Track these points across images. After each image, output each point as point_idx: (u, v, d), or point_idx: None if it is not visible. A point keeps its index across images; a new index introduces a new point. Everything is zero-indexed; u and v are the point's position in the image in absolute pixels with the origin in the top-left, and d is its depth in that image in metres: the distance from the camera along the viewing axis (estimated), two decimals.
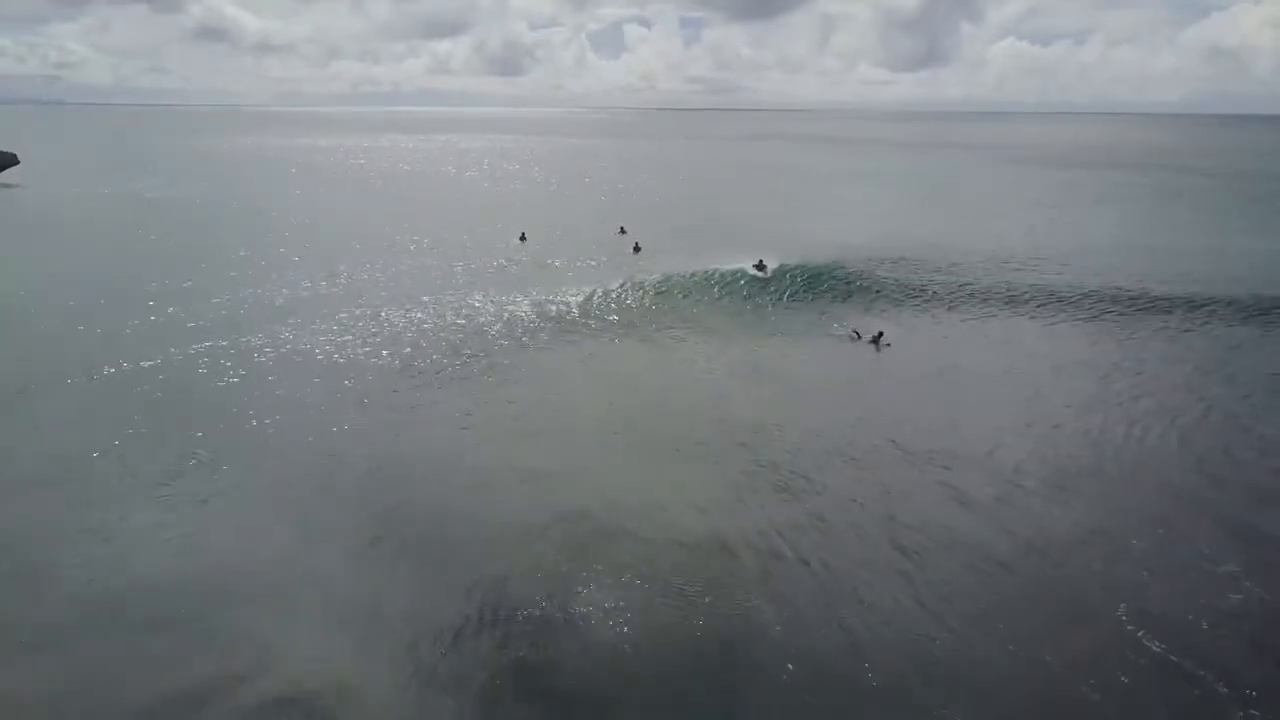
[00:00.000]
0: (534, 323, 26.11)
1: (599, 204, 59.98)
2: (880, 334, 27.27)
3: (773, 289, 31.23)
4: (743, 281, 31.86)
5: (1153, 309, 28.98)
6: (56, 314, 26.23)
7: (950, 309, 29.71)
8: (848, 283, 31.66)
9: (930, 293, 31.14)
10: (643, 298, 29.30)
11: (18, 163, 66.69)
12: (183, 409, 18.19)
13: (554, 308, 27.61)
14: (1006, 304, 30.02)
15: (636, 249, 40.63)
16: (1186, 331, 26.87)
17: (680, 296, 29.45)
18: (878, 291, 31.25)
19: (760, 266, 33.91)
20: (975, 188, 74.17)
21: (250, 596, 11.44)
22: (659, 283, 30.96)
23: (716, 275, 31.95)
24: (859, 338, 27.14)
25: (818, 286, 31.51)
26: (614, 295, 29.21)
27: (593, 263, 36.45)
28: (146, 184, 67.82)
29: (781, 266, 33.25)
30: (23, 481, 14.80)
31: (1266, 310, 28.57)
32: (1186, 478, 16.03)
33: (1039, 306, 29.71)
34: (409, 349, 23.00)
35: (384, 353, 22.54)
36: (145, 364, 21.07)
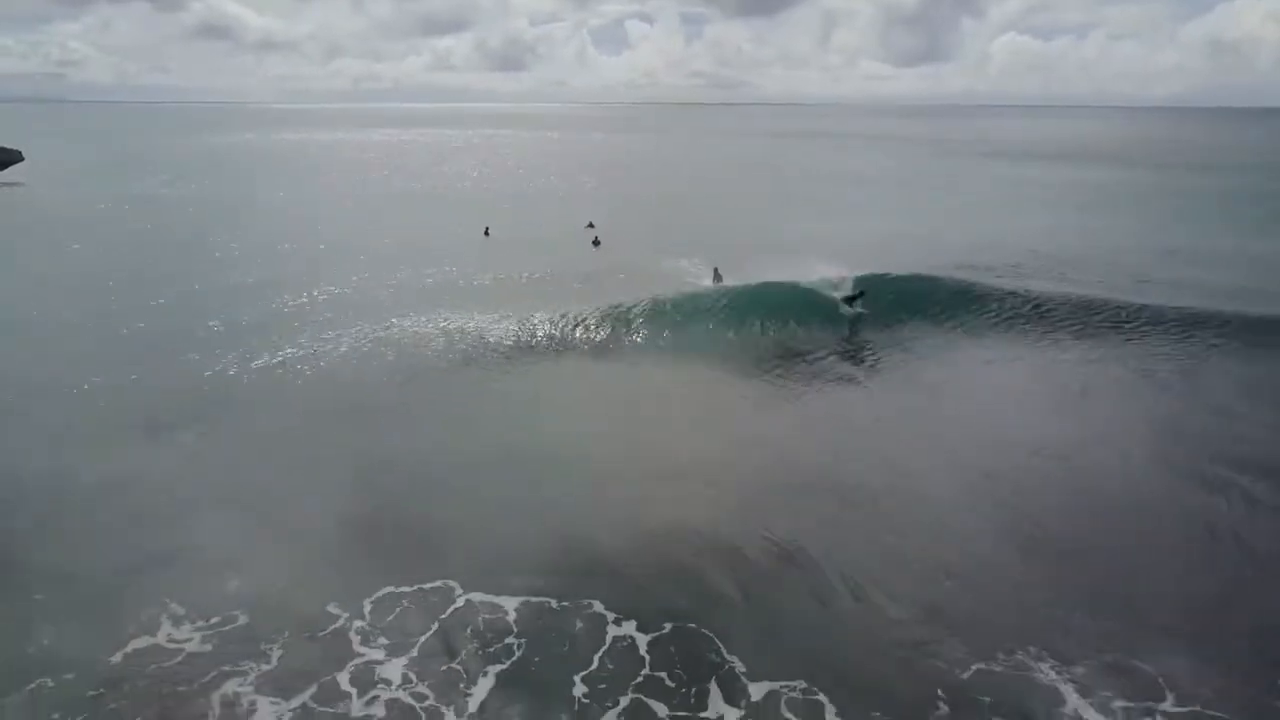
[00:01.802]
0: (452, 338, 24.83)
1: (574, 198, 62.12)
2: (862, 294, 26.27)
3: (724, 305, 27.91)
4: (692, 293, 29.32)
5: (1173, 323, 26.36)
6: (58, 311, 28.10)
7: (949, 325, 27.36)
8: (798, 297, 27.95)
9: (926, 306, 28.20)
10: (580, 305, 27.57)
11: (22, 159, 69.39)
12: (177, 408, 19.63)
13: (488, 315, 26.65)
14: (1011, 315, 27.80)
15: (596, 243, 43.05)
16: (1207, 349, 24.73)
17: (623, 308, 27.10)
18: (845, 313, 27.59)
19: (717, 277, 32.84)
20: (977, 187, 72.00)
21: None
22: (605, 286, 30.64)
23: (665, 280, 31.38)
24: (842, 297, 26.48)
25: (781, 304, 27.70)
26: (550, 300, 28.40)
27: (546, 258, 37.45)
28: (148, 181, 70.93)
29: (729, 282, 30.76)
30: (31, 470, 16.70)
31: None
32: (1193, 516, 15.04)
33: (1048, 318, 27.49)
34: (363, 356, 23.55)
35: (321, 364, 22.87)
36: (136, 362, 22.89)
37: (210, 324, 26.60)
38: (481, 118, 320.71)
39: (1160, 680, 10.74)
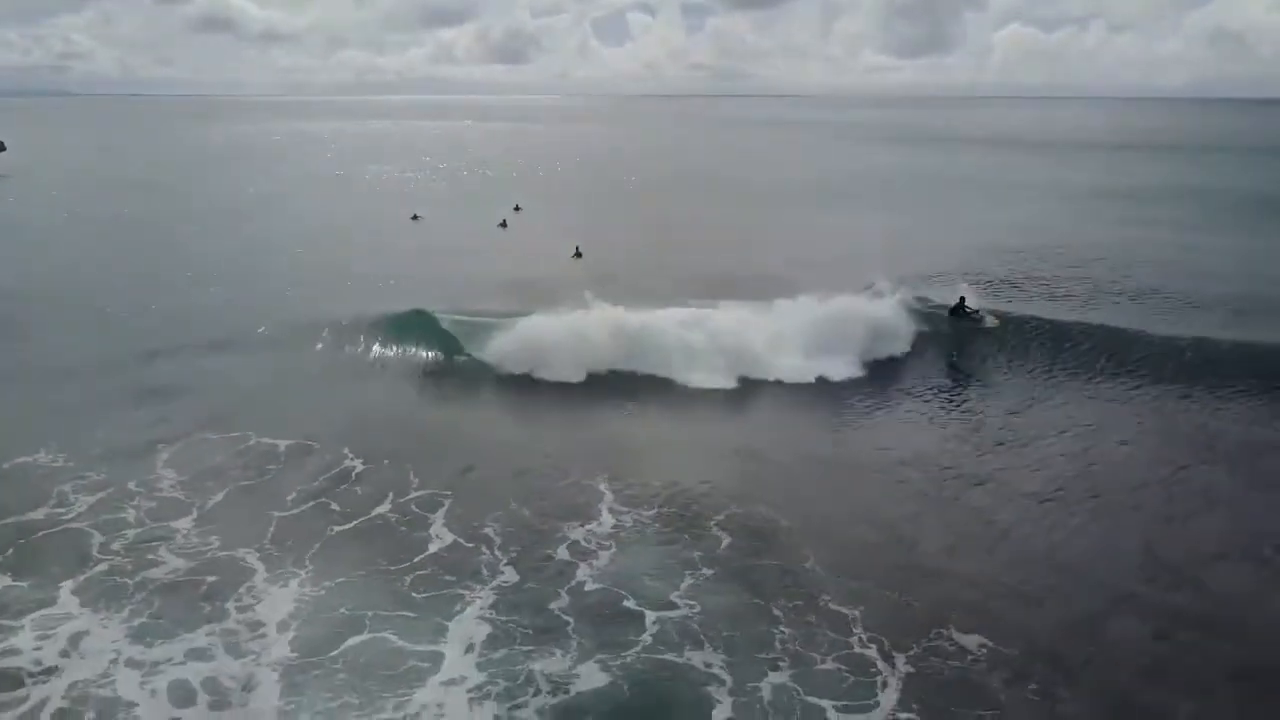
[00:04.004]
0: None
1: (518, 185, 66.06)
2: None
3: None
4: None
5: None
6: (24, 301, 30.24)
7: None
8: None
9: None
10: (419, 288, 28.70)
11: (4, 149, 72.96)
12: (89, 359, 22.98)
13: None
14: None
15: (503, 225, 47.85)
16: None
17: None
18: None
19: (577, 254, 36.29)
20: (969, 183, 68.56)
21: None
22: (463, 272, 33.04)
23: (528, 260, 34.88)
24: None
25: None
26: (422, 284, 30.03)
27: (448, 241, 41.85)
28: (125, 172, 75.99)
29: (589, 260, 34.20)
30: None
31: None
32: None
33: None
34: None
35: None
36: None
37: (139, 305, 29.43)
38: (468, 110, 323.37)
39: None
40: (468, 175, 77.99)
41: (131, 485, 15.91)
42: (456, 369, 23.43)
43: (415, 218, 49.48)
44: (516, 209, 52.37)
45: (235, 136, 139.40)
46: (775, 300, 25.46)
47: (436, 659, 11.25)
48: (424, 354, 24.19)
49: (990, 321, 24.61)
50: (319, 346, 24.76)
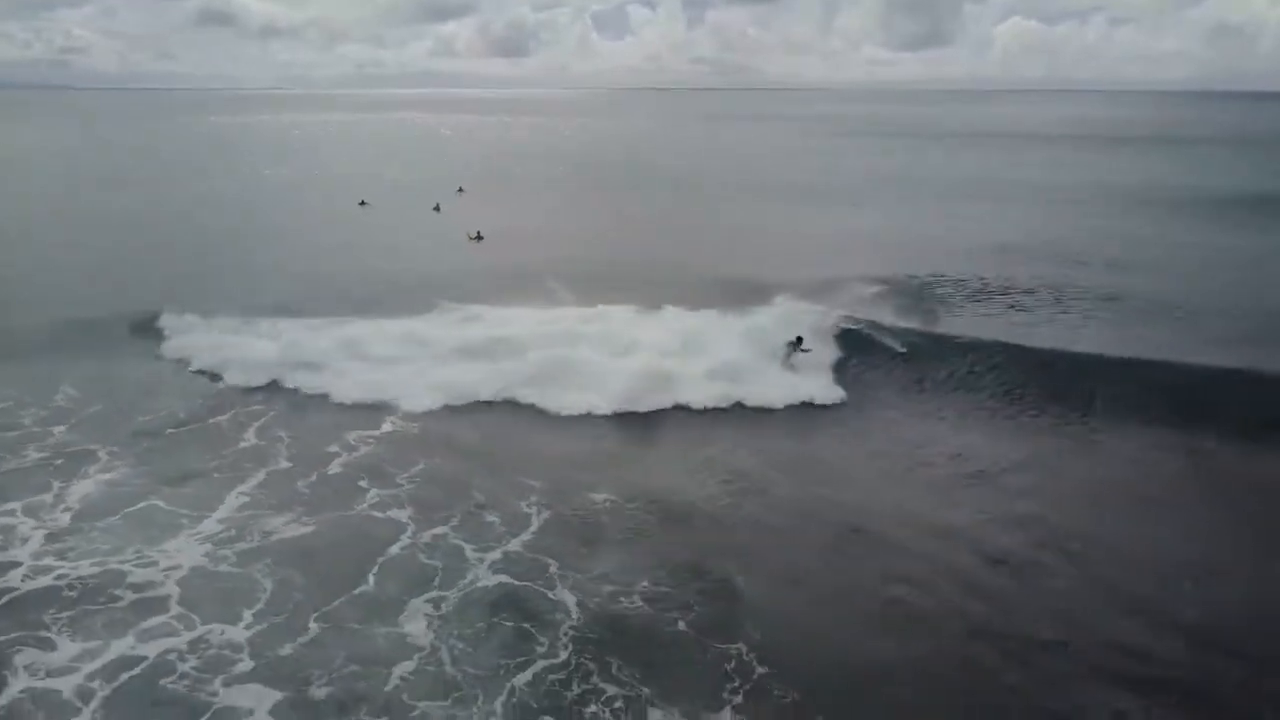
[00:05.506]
0: None
1: (479, 175, 69.05)
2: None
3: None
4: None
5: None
6: None
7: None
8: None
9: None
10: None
11: None
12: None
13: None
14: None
15: (436, 209, 50.84)
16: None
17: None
18: None
19: (479, 237, 38.94)
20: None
21: None
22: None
23: (435, 241, 38.61)
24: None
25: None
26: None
27: (381, 226, 44.91)
28: (113, 162, 79.28)
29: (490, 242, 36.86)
30: None
31: None
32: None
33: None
34: None
35: None
36: None
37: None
38: (457, 104, 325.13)
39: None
40: (432, 163, 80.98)
41: (27, 398, 19.68)
42: None
43: (362, 203, 52.41)
44: (460, 190, 55.71)
45: (228, 129, 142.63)
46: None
47: (196, 520, 14.78)
48: None
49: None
50: (219, 306, 27.95)
